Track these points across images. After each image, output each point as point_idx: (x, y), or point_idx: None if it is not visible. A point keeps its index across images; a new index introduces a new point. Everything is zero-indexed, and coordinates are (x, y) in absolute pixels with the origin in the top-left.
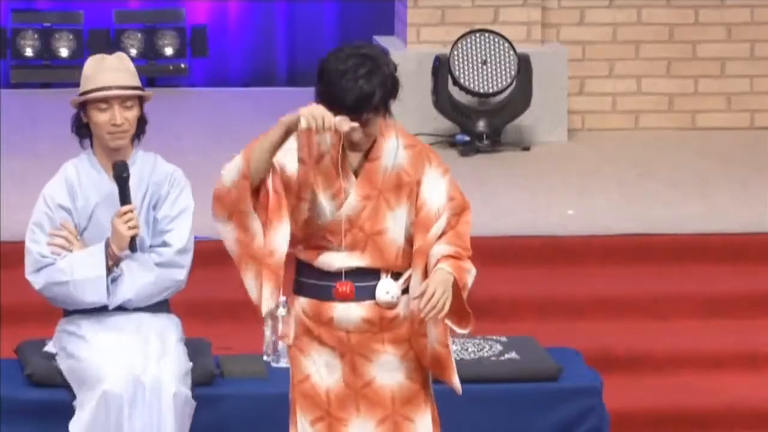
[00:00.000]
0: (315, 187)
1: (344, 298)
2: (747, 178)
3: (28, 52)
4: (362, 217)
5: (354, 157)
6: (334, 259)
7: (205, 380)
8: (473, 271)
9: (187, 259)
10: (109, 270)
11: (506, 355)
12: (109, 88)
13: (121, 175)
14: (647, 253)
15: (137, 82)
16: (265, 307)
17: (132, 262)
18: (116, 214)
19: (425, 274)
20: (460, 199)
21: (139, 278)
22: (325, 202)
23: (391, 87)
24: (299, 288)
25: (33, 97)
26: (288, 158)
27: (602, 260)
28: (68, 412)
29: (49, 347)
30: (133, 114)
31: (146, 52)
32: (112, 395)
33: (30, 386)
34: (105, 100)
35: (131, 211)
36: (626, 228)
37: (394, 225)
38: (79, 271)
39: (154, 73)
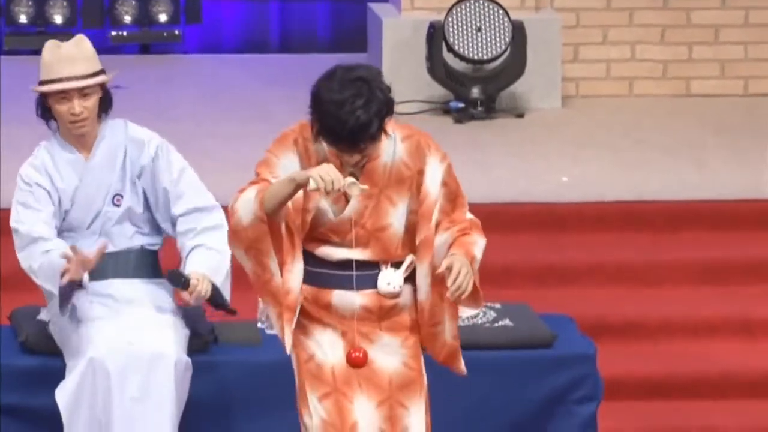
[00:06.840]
0: (317, 193)
1: (357, 364)
2: (741, 145)
3: (22, 18)
4: (365, 216)
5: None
6: (336, 252)
7: (200, 347)
8: (480, 242)
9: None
10: (66, 290)
11: (500, 322)
12: (67, 79)
13: (180, 284)
14: (641, 220)
15: (96, 67)
16: (289, 346)
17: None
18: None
19: (431, 266)
20: (453, 185)
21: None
22: (327, 205)
23: (386, 112)
24: None
25: (26, 64)
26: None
27: (596, 227)
28: (62, 378)
29: (43, 315)
30: (92, 101)
31: (140, 19)
32: (99, 362)
33: (24, 353)
34: (63, 91)
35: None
36: (620, 195)
37: (396, 219)
38: (42, 279)
39: (147, 40)
